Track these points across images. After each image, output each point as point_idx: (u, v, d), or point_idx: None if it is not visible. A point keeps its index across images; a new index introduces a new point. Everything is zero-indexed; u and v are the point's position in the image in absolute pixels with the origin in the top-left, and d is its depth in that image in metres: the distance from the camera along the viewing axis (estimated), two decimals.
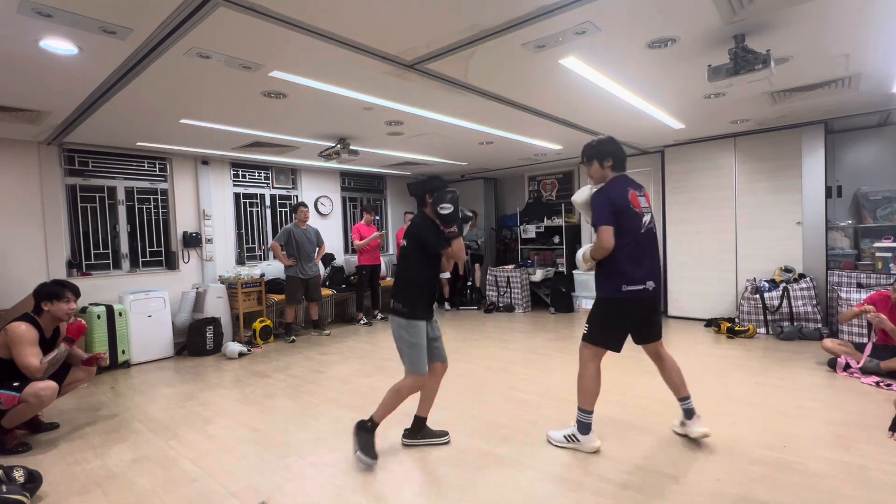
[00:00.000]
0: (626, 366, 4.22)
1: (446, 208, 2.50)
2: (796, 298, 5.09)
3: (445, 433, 2.86)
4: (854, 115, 5.02)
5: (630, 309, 2.58)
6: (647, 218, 2.60)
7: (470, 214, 2.89)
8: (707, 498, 2.15)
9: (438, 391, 2.85)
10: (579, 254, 2.78)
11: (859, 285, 4.95)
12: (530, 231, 8.13)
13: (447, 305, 7.97)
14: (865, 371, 3.68)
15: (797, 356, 4.36)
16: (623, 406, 3.28)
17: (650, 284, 2.56)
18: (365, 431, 2.60)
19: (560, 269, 7.79)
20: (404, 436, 2.85)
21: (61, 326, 3.20)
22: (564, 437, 2.71)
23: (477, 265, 8.00)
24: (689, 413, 2.75)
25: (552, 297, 7.36)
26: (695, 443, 2.69)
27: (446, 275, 7.83)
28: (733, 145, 5.80)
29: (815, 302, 5.04)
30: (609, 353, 2.65)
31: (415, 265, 2.63)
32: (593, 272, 2.69)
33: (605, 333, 2.61)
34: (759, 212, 5.65)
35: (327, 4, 2.28)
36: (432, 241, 2.57)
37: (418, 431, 2.83)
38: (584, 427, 2.65)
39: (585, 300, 7.07)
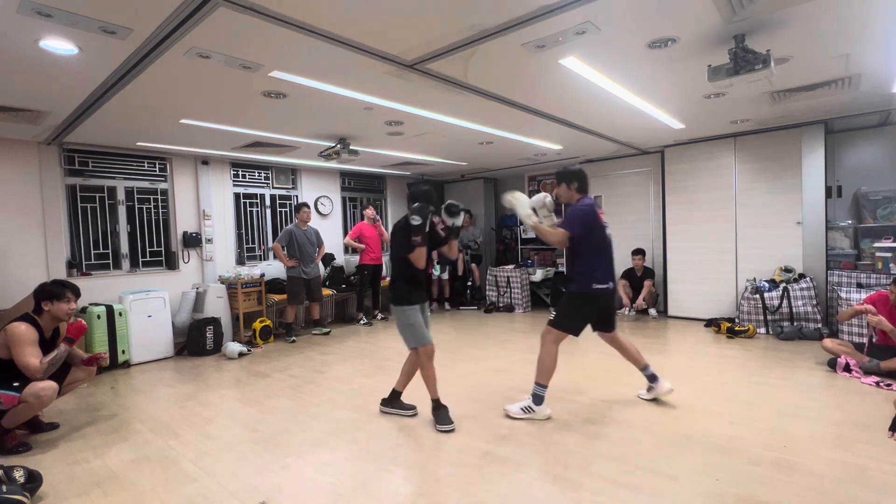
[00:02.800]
0: (627, 365, 4.22)
1: (415, 220, 2.89)
2: (796, 298, 5.09)
3: (413, 407, 3.27)
4: (854, 115, 5.02)
5: (596, 303, 3.08)
6: (608, 230, 3.14)
7: (457, 225, 3.18)
8: (707, 498, 2.15)
9: (416, 375, 3.23)
10: (525, 202, 3.23)
11: (859, 285, 4.95)
12: (530, 231, 8.11)
13: (447, 305, 7.96)
14: (865, 371, 3.68)
15: (797, 356, 4.36)
16: (623, 406, 3.28)
17: (610, 284, 3.09)
18: (437, 409, 3.08)
19: (560, 269, 7.80)
20: (382, 403, 3.35)
21: (61, 326, 3.20)
22: (521, 409, 3.12)
23: (475, 265, 8.00)
24: (652, 378, 3.30)
25: (552, 297, 7.37)
26: (693, 442, 2.69)
27: (445, 275, 7.84)
28: (733, 145, 5.80)
29: (815, 302, 5.04)
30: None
31: (396, 261, 3.11)
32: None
33: (572, 321, 3.09)
34: (759, 212, 5.65)
35: (327, 4, 2.28)
36: (398, 245, 3.06)
37: (393, 402, 3.30)
38: (539, 399, 3.10)
39: None
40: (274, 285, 6.14)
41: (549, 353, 3.08)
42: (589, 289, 3.02)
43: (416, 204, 2.96)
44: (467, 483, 2.35)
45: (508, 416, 3.12)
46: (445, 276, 7.86)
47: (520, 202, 3.22)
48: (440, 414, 3.05)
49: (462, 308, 7.82)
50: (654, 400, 3.34)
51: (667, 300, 6.44)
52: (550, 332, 3.09)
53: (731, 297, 5.89)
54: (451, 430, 2.97)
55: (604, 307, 3.15)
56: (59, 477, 2.55)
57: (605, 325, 3.25)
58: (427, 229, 2.97)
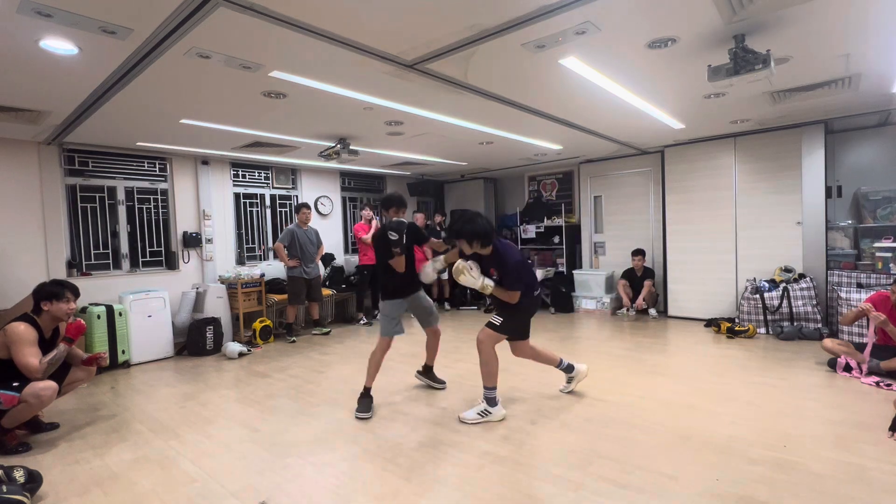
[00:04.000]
0: (627, 365, 4.23)
1: (393, 236, 3.29)
2: (796, 298, 5.09)
3: (443, 381, 3.81)
4: (854, 115, 5.02)
5: (533, 308, 3.28)
6: (519, 251, 3.25)
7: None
8: (707, 498, 2.15)
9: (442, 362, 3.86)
10: (474, 273, 3.07)
11: (859, 285, 4.95)
12: (530, 231, 8.13)
13: (447, 305, 7.96)
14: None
15: (797, 356, 4.36)
16: (623, 406, 3.28)
17: (539, 289, 3.34)
18: (364, 397, 3.37)
19: (560, 269, 7.80)
20: (417, 372, 3.91)
21: (61, 326, 3.20)
22: (477, 413, 3.13)
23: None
24: (569, 368, 3.49)
25: (552, 297, 7.37)
26: (693, 442, 2.69)
27: (445, 275, 7.84)
28: (733, 145, 5.80)
29: (815, 302, 5.04)
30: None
31: (380, 263, 3.57)
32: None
33: (515, 326, 3.22)
34: (759, 212, 5.65)
35: (327, 4, 2.28)
36: (381, 251, 3.46)
37: (426, 373, 3.85)
38: (493, 401, 3.14)
39: (585, 300, 7.07)
40: (274, 285, 6.14)
41: (492, 358, 3.13)
42: (529, 299, 3.17)
43: (394, 220, 3.46)
44: (467, 483, 2.35)
45: (464, 423, 3.07)
46: (445, 276, 7.86)
47: (469, 275, 3.04)
48: (365, 402, 3.33)
49: (462, 308, 7.82)
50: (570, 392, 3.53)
51: (667, 300, 6.44)
52: (491, 337, 3.13)
53: (731, 297, 5.89)
54: (366, 419, 3.21)
55: (534, 312, 3.37)
56: (59, 477, 2.55)
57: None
58: (405, 240, 3.37)
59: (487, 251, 3.04)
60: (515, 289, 3.02)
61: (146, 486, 2.44)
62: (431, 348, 3.79)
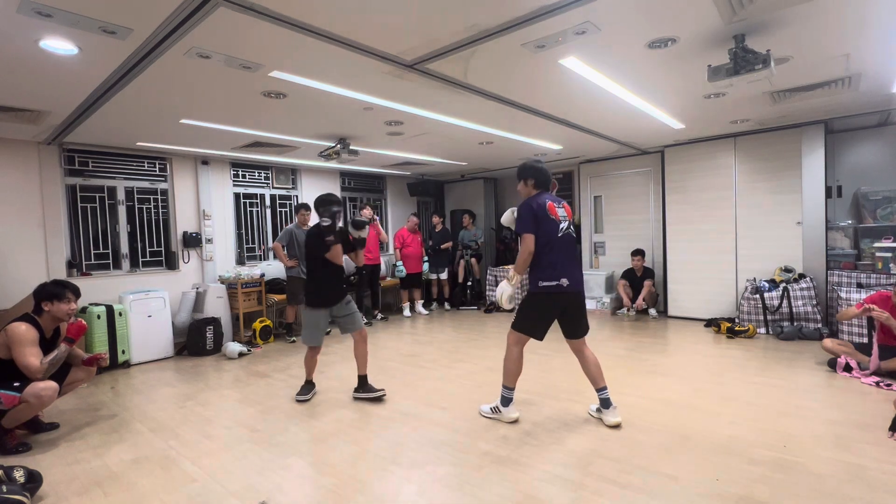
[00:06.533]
0: (627, 365, 4.23)
1: (325, 221, 3.45)
2: (796, 298, 5.09)
3: (382, 390, 3.59)
4: (854, 115, 5.02)
5: (547, 303, 2.93)
6: (563, 224, 2.95)
7: (363, 237, 3.78)
8: (707, 498, 2.15)
9: (369, 364, 3.79)
10: (505, 291, 3.14)
11: (859, 285, 4.95)
12: None
13: (447, 305, 7.96)
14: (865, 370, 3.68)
15: (797, 356, 4.36)
16: (623, 406, 3.27)
17: (564, 282, 2.87)
18: (307, 384, 3.72)
19: None
20: (354, 391, 3.67)
21: (61, 326, 3.20)
22: (490, 408, 3.16)
23: (474, 260, 8.00)
24: (605, 403, 3.00)
25: None
26: (693, 442, 2.69)
27: (444, 275, 7.84)
28: (733, 145, 5.80)
29: (815, 302, 5.04)
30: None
31: (311, 265, 3.62)
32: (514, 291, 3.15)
33: (526, 322, 2.98)
34: (759, 212, 5.65)
35: (327, 4, 2.28)
36: (314, 248, 3.53)
37: (361, 387, 3.63)
38: (506, 401, 3.08)
39: (586, 300, 7.06)
40: (274, 285, 6.14)
41: (510, 356, 3.05)
42: (536, 288, 2.89)
43: (321, 208, 3.52)
44: (467, 483, 2.35)
45: (481, 415, 3.19)
46: (444, 276, 7.86)
47: (506, 292, 3.17)
48: (304, 388, 3.70)
49: (462, 308, 7.82)
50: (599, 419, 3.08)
51: (667, 300, 6.44)
52: (511, 334, 3.04)
53: (731, 297, 5.89)
54: (303, 400, 3.57)
55: (562, 308, 2.94)
56: (59, 477, 2.55)
57: (568, 330, 3.03)
58: (337, 227, 3.52)
59: (534, 195, 3.04)
60: (519, 231, 2.96)
61: (146, 486, 2.44)
62: (361, 355, 3.65)
